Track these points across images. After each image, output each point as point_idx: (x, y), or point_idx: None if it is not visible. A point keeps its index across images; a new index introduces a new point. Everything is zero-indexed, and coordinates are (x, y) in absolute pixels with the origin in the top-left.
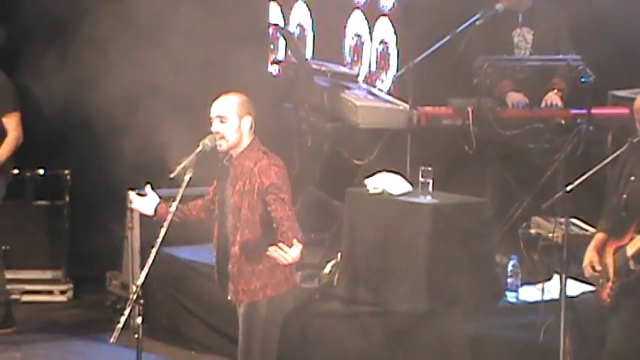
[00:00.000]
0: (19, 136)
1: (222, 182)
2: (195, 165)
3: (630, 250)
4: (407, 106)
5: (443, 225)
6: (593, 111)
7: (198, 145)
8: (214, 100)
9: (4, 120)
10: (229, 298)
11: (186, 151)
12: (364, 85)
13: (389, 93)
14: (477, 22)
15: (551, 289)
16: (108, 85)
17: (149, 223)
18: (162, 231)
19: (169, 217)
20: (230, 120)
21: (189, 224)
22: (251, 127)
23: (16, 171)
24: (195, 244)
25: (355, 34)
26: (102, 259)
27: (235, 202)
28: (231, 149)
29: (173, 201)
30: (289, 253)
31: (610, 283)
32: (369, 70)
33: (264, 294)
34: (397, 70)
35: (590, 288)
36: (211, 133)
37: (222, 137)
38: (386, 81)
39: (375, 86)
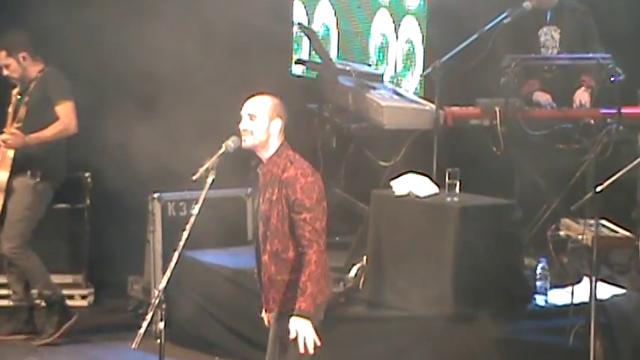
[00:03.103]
0: (69, 123)
1: (255, 188)
2: (218, 167)
3: None
4: (433, 106)
5: (470, 227)
6: (623, 110)
7: (220, 147)
8: (247, 99)
9: (57, 109)
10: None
11: (209, 152)
12: (390, 85)
13: (415, 93)
14: (505, 21)
15: (581, 292)
16: (130, 85)
17: (171, 227)
18: (185, 234)
19: (192, 219)
20: (260, 119)
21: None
22: (280, 130)
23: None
24: (219, 247)
25: (380, 33)
26: (123, 263)
27: (265, 211)
28: (256, 148)
29: (196, 203)
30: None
31: None
32: (395, 70)
33: (295, 304)
34: (423, 70)
35: (621, 291)
36: (234, 134)
37: (249, 133)
38: (412, 81)
39: (400, 86)
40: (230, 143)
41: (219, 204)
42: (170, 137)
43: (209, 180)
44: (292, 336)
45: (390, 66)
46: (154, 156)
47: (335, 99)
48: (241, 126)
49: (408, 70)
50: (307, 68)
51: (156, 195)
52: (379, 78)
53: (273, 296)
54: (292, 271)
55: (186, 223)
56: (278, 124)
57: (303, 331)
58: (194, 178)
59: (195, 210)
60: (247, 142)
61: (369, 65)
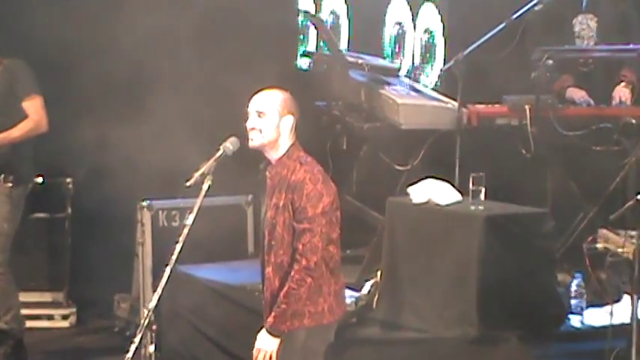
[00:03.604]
0: (39, 120)
1: (263, 193)
2: (215, 171)
3: None
4: (455, 103)
5: (497, 239)
6: None
7: (218, 149)
8: (254, 94)
9: (25, 105)
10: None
11: (205, 155)
12: (407, 80)
13: (435, 89)
14: (535, 8)
15: (621, 311)
16: (115, 79)
17: (163, 238)
18: (178, 247)
19: (186, 230)
20: (269, 116)
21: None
22: (292, 129)
23: (39, 179)
24: (216, 262)
25: (396, 22)
26: (109, 279)
27: (271, 218)
28: (264, 148)
29: (190, 213)
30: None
31: None
32: (413, 63)
33: (300, 323)
34: (444, 63)
35: None
36: (233, 135)
37: (257, 131)
38: (431, 75)
39: (419, 81)
40: (229, 145)
41: (217, 213)
42: (161, 138)
43: (205, 186)
44: (254, 352)
45: (407, 59)
46: (142, 159)
47: (346, 95)
48: (248, 124)
49: (427, 63)
50: (314, 61)
51: (145, 203)
52: (395, 72)
53: None
54: None
55: (180, 235)
56: (289, 121)
57: (265, 347)
58: (188, 184)
59: (190, 220)
60: (255, 141)
61: (384, 58)
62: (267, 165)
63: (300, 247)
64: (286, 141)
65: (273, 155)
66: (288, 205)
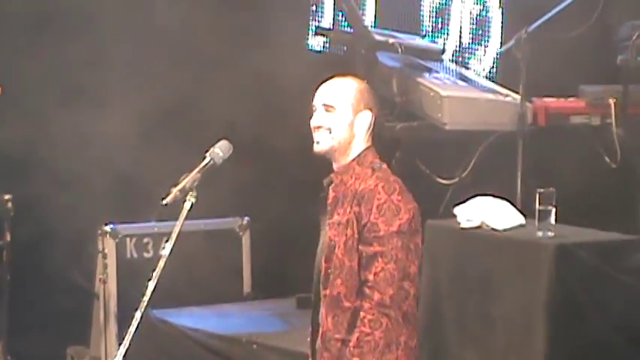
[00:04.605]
0: None
1: (321, 214)
2: (201, 186)
3: None
4: (517, 96)
5: (571, 274)
6: None
7: (204, 157)
8: (322, 82)
9: None
10: None
11: (188, 165)
12: (452, 66)
13: (489, 77)
14: None
15: None
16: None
17: (131, 274)
18: (152, 285)
19: (162, 263)
20: (340, 111)
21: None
22: (369, 129)
23: None
24: (200, 304)
25: None
26: (60, 327)
27: (331, 239)
28: (333, 154)
29: (167, 240)
30: None
31: None
32: (460, 44)
33: None
34: (501, 44)
35: None
36: (224, 139)
37: (326, 130)
38: (485, 59)
39: (468, 68)
40: (218, 151)
41: (203, 241)
42: (128, 144)
43: (187, 205)
44: None
45: (453, 37)
46: (104, 172)
47: (372, 85)
48: (313, 121)
49: (479, 44)
50: (331, 40)
51: (108, 228)
52: (437, 55)
53: None
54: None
55: (154, 270)
56: (367, 118)
57: None
58: (165, 202)
59: (167, 249)
60: (322, 143)
61: (422, 37)
62: (329, 180)
63: (371, 276)
64: (360, 144)
65: (343, 162)
66: (353, 220)
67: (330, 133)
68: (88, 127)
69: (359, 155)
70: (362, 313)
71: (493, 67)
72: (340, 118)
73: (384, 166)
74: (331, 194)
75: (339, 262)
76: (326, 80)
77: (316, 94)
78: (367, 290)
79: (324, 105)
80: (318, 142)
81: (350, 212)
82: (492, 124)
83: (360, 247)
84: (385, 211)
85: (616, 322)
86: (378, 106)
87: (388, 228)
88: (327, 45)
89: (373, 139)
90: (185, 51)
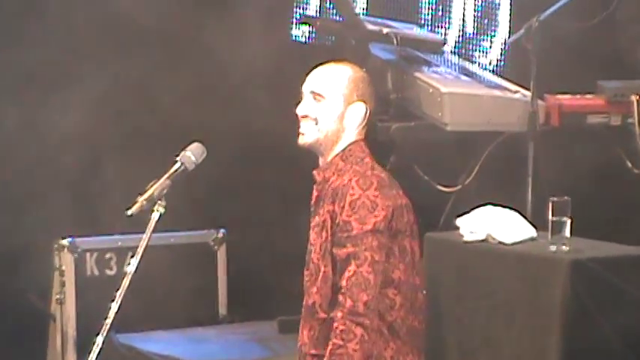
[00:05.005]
0: None
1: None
2: (171, 195)
3: None
4: (527, 93)
5: (587, 292)
6: None
7: (175, 162)
8: (312, 69)
9: None
10: None
11: (155, 170)
12: (455, 59)
13: (496, 72)
14: None
15: None
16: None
17: (92, 294)
18: (115, 307)
19: (127, 281)
20: (330, 101)
21: None
22: (362, 121)
23: None
24: (170, 328)
25: None
26: (11, 354)
27: (311, 243)
28: (318, 147)
29: (132, 256)
30: None
31: None
32: (463, 34)
33: None
34: (509, 34)
35: None
36: (197, 141)
37: (311, 120)
38: (491, 51)
39: (472, 61)
40: (189, 155)
41: (173, 256)
42: (88, 146)
43: (155, 216)
44: None
45: (455, 27)
46: (60, 177)
47: None
48: (300, 109)
49: (485, 34)
50: (317, 30)
51: (65, 241)
52: (437, 47)
53: None
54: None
55: (117, 289)
56: (360, 110)
57: None
58: (130, 212)
59: (132, 266)
60: (307, 136)
61: (421, 26)
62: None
63: (344, 282)
64: (349, 136)
65: (328, 154)
66: (328, 220)
67: (317, 124)
68: (40, 127)
69: (343, 150)
70: (335, 324)
71: (500, 59)
72: (329, 109)
73: (367, 159)
74: (314, 193)
75: (314, 268)
76: (318, 66)
77: (306, 80)
78: (340, 297)
79: (312, 93)
80: (303, 134)
81: (326, 212)
82: (499, 124)
83: (334, 249)
84: (359, 208)
85: (632, 331)
86: (374, 99)
87: (362, 226)
88: (313, 35)
89: (366, 135)
90: (149, 43)
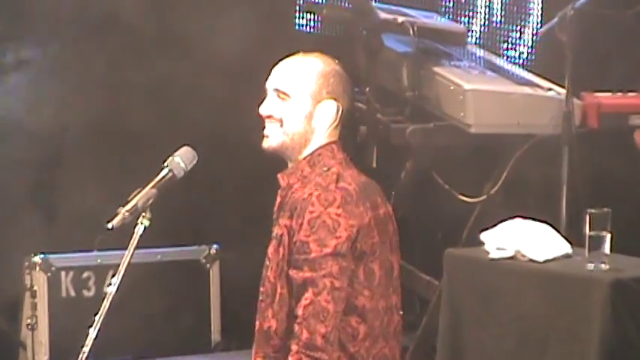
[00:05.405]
0: None
1: None
2: (158, 205)
3: None
4: (561, 90)
5: (630, 315)
6: None
7: (162, 168)
8: (277, 63)
9: None
10: None
11: (139, 178)
12: (479, 52)
13: (526, 66)
14: None
15: None
16: None
17: (67, 318)
18: (93, 333)
19: (106, 303)
20: (296, 100)
21: None
22: (332, 123)
23: None
24: (152, 357)
25: None
26: None
27: (268, 257)
28: (284, 152)
29: (113, 275)
30: None
31: None
32: (489, 23)
33: None
34: (541, 24)
35: None
36: (187, 145)
37: (276, 121)
38: (521, 43)
39: (500, 54)
40: (178, 161)
41: (160, 275)
42: (64, 150)
43: (139, 229)
44: None
45: (480, 16)
46: (31, 186)
47: (377, 75)
48: (262, 108)
49: (514, 23)
50: (324, 19)
51: (38, 258)
52: (460, 38)
53: None
54: None
55: (96, 313)
56: (330, 109)
57: None
58: (110, 225)
59: (113, 286)
60: (272, 139)
61: (441, 15)
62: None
63: (300, 310)
64: (319, 138)
65: (294, 158)
66: (285, 235)
67: (282, 126)
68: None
69: (312, 153)
70: (290, 357)
71: (531, 52)
72: (295, 108)
73: (334, 168)
74: (278, 199)
75: (270, 288)
76: (285, 58)
77: (270, 75)
78: (296, 327)
79: (277, 90)
80: (267, 137)
81: (283, 226)
82: (530, 125)
83: (290, 271)
84: (318, 228)
85: None
86: (348, 94)
87: (321, 249)
88: (319, 25)
89: (340, 136)
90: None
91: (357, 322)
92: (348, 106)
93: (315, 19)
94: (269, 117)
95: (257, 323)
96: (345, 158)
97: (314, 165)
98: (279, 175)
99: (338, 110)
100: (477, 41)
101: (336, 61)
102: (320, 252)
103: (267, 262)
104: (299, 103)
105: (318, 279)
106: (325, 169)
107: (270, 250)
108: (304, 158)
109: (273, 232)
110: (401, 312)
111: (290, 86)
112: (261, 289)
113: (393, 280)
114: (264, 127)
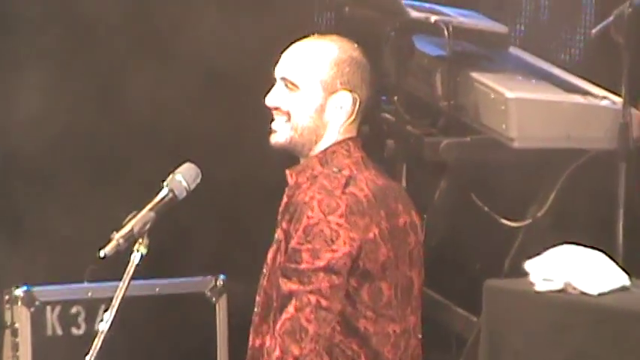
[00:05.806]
0: None
1: None
2: (156, 231)
3: None
4: (617, 99)
5: None
6: None
7: (161, 188)
8: (286, 47)
9: None
10: None
11: (137, 199)
12: (524, 55)
13: (577, 72)
14: None
15: None
16: None
17: (55, 357)
18: None
19: (98, 342)
20: (305, 91)
21: None
22: (349, 116)
23: None
24: None
25: None
26: None
27: (267, 263)
28: (294, 148)
29: (106, 310)
30: None
31: None
32: (535, 23)
33: None
34: (595, 23)
35: None
36: (188, 161)
37: (283, 114)
38: (571, 46)
39: (547, 58)
40: (179, 180)
41: (159, 309)
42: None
43: (135, 258)
44: None
45: (525, 15)
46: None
47: (407, 82)
48: (268, 99)
49: (564, 23)
50: (347, 15)
51: (20, 291)
52: (501, 40)
53: None
54: None
55: (86, 354)
56: (344, 100)
57: None
58: (103, 253)
59: (106, 322)
60: (279, 134)
61: (481, 14)
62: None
63: (278, 325)
64: (332, 134)
65: (305, 154)
66: (282, 241)
67: (290, 120)
68: None
69: (324, 150)
70: None
71: (583, 56)
72: (304, 101)
73: (346, 170)
74: (284, 199)
75: (267, 300)
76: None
77: (279, 61)
78: (269, 341)
79: (284, 79)
80: (274, 131)
81: (282, 230)
82: (581, 139)
83: (280, 279)
84: (314, 237)
85: None
86: (368, 85)
87: (313, 261)
88: (341, 22)
89: (359, 131)
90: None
91: (358, 345)
92: (367, 98)
93: (338, 15)
94: (276, 109)
95: (250, 339)
96: (363, 157)
97: (326, 163)
98: (287, 172)
99: (354, 103)
100: (522, 43)
101: (355, 45)
102: (311, 264)
103: (265, 269)
104: (308, 95)
105: (304, 293)
106: (336, 170)
107: (270, 255)
108: (316, 155)
109: (275, 236)
110: (420, 335)
111: (299, 75)
112: (257, 298)
113: (412, 300)
114: (272, 120)
